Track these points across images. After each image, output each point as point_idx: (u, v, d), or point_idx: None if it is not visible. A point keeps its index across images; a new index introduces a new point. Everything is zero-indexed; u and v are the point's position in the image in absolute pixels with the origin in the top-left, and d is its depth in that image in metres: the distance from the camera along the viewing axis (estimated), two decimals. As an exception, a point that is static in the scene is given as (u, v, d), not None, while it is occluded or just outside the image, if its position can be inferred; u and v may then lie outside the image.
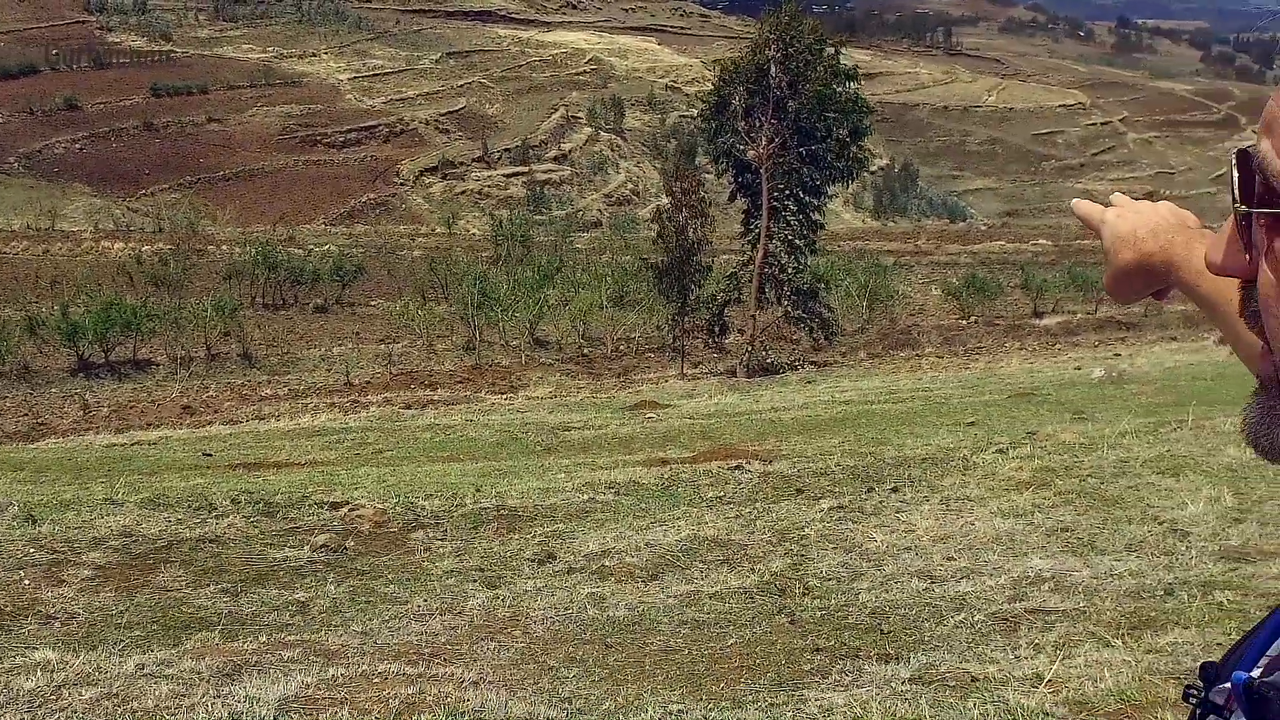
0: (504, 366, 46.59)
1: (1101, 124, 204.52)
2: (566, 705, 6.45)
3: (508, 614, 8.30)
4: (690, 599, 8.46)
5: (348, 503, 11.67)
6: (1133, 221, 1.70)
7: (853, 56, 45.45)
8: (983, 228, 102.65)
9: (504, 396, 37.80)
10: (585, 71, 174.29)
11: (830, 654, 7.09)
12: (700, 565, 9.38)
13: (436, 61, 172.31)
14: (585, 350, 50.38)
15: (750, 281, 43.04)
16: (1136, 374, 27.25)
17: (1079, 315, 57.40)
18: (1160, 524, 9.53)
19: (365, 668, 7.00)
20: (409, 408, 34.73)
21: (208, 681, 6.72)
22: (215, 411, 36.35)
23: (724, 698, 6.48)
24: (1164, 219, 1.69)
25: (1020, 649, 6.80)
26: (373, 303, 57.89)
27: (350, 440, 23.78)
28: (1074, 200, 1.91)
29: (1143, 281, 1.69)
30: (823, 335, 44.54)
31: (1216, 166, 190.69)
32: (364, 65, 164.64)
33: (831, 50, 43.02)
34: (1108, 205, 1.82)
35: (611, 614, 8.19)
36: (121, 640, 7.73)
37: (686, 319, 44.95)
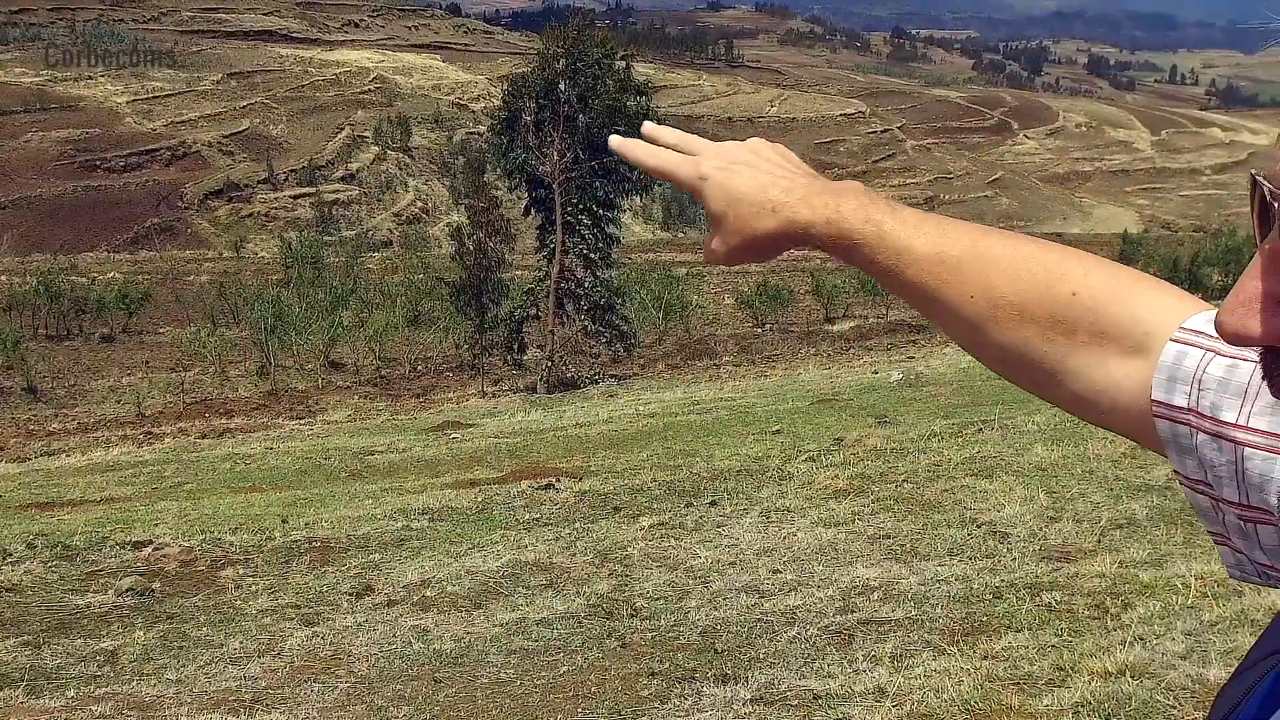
0: (300, 391, 45.78)
1: (881, 132, 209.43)
2: (401, 747, 6.23)
3: (329, 653, 8.01)
4: (517, 627, 8.26)
5: (151, 542, 11.21)
6: (753, 180, 1.29)
7: (639, 70, 45.60)
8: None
9: (302, 422, 37.06)
10: (370, 90, 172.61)
11: (666, 678, 6.96)
12: (524, 591, 9.18)
13: (218, 82, 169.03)
14: (383, 371, 49.81)
15: (547, 297, 42.93)
16: (933, 376, 27.70)
17: (870, 319, 58.50)
18: (979, 526, 9.62)
19: (184, 719, 6.68)
20: (205, 437, 33.80)
21: (15, 744, 6.36)
22: (0, 449, 35.00)
23: (563, 730, 6.32)
24: (789, 171, 1.31)
25: (858, 662, 6.75)
26: (161, 330, 56.54)
27: (147, 474, 23.02)
28: (616, 140, 1.45)
29: (782, 249, 1.30)
30: (621, 348, 44.63)
31: (992, 171, 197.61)
32: (143, 88, 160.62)
33: (623, 64, 43.17)
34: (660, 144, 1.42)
35: (437, 647, 7.96)
36: (-84, 703, 7.27)
37: (485, 336, 44.67)
